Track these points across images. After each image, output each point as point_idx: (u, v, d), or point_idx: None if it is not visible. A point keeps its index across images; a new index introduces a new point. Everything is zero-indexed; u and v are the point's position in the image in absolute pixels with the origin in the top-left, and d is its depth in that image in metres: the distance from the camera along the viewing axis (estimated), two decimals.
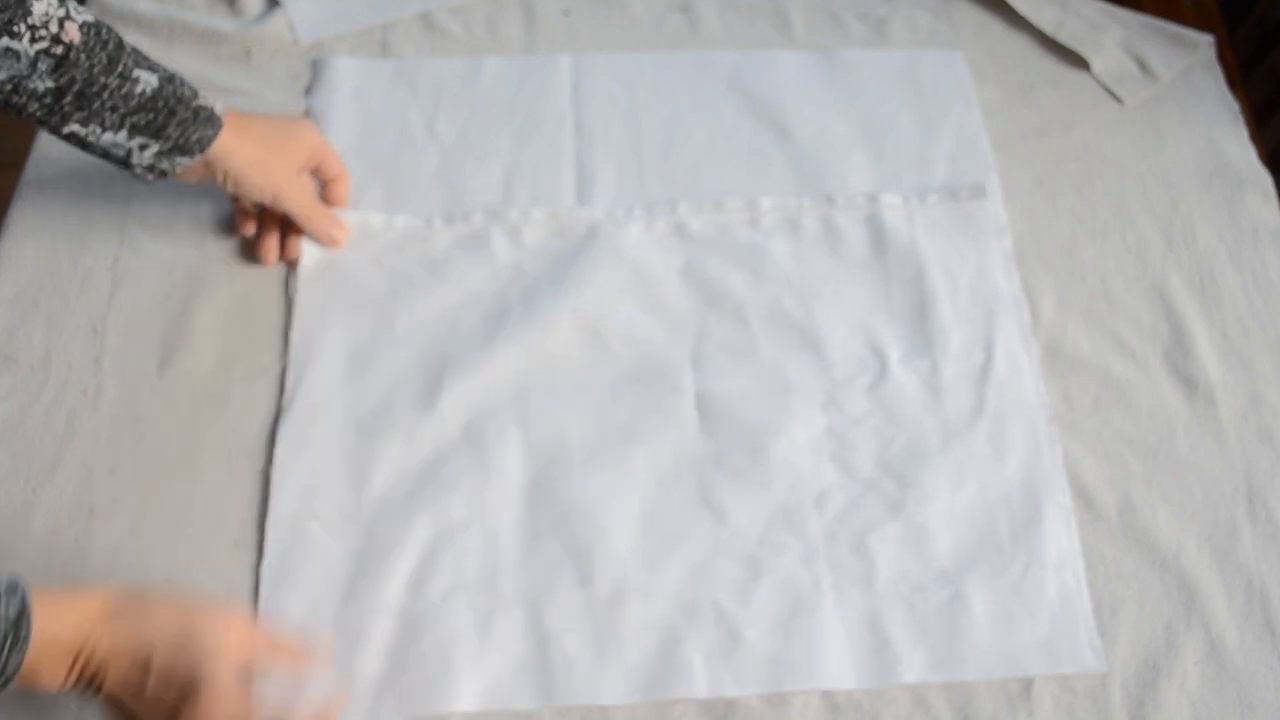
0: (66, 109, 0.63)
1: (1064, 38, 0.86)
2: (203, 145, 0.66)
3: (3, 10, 0.59)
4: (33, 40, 0.60)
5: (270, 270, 0.74)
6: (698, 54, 0.85)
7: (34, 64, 0.61)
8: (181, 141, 0.65)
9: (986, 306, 0.73)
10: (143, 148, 0.65)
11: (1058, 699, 0.60)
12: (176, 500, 0.65)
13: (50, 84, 0.62)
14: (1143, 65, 0.85)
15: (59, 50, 0.61)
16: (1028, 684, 0.61)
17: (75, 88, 0.62)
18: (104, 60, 0.62)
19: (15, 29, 0.60)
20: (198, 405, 0.68)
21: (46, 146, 0.78)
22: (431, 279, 0.73)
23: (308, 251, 0.73)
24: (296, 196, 0.71)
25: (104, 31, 0.63)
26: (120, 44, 0.64)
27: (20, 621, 0.50)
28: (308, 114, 0.81)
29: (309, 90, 0.82)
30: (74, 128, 0.64)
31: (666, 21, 0.87)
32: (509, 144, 0.80)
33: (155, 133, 0.65)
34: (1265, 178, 0.80)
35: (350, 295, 0.73)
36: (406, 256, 0.74)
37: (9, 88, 0.61)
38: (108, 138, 0.65)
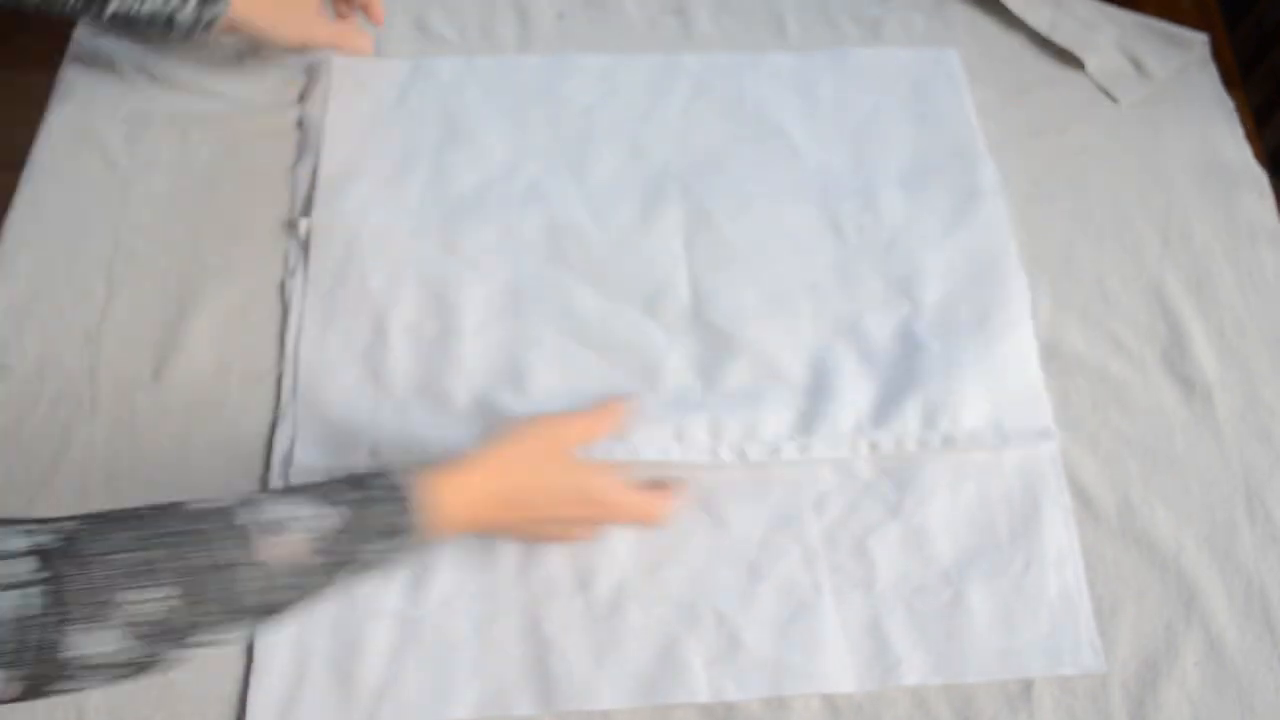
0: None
1: (1058, 37, 0.86)
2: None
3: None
4: None
5: (267, 275, 0.73)
6: (700, 56, 0.85)
7: None
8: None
9: (986, 306, 0.73)
10: (183, 3, 0.71)
11: (1058, 700, 0.60)
12: None
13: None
14: (1137, 64, 0.85)
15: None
16: (1028, 685, 0.61)
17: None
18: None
19: None
20: (194, 412, 0.68)
21: (41, 154, 0.78)
22: (436, 282, 0.73)
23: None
24: (320, 36, 0.78)
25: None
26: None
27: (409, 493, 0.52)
28: (301, 119, 0.80)
29: (303, 94, 0.82)
30: (114, 6, 0.69)
31: (660, 24, 0.87)
32: (506, 144, 0.80)
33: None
34: (1261, 176, 0.80)
35: (346, 299, 0.72)
36: (404, 258, 0.74)
37: None
38: (149, 6, 0.70)
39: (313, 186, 0.77)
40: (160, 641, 0.45)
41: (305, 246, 0.74)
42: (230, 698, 0.59)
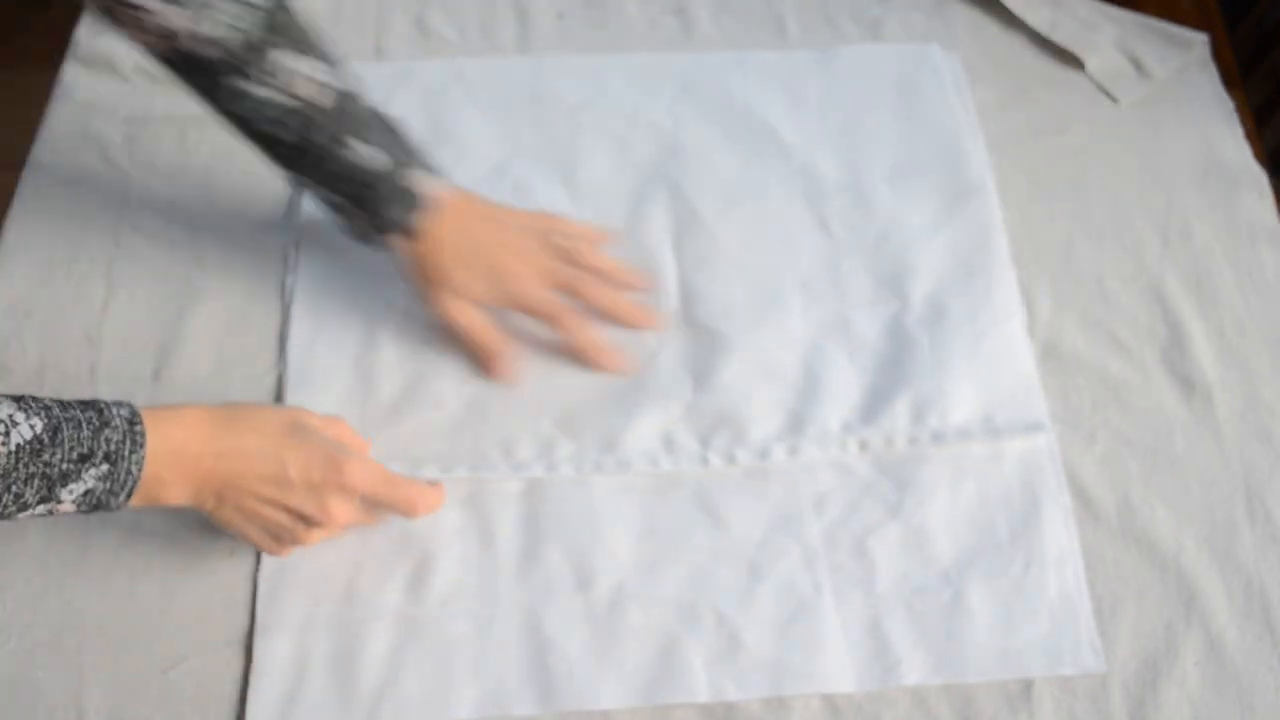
0: (297, 162, 0.64)
1: (1058, 38, 0.86)
2: (395, 225, 0.65)
3: (249, 49, 0.60)
4: (262, 85, 0.61)
5: (266, 276, 0.73)
6: (688, 55, 0.85)
7: (275, 112, 0.62)
8: (378, 217, 0.65)
9: (975, 302, 0.73)
10: (350, 212, 0.66)
11: (1058, 700, 0.60)
12: (172, 509, 0.65)
13: (291, 137, 0.63)
14: (1137, 64, 0.85)
15: (296, 104, 0.62)
16: (1028, 685, 0.61)
17: (310, 147, 0.63)
18: (331, 132, 0.63)
19: (247, 69, 0.61)
20: None
21: (41, 154, 0.78)
22: None
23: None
24: (456, 317, 0.68)
25: (351, 105, 0.63)
26: (359, 117, 0.64)
27: (134, 423, 0.54)
28: None
29: None
30: (303, 176, 0.65)
31: (660, 24, 0.87)
32: (492, 145, 0.80)
33: (355, 199, 0.65)
34: (1261, 176, 0.80)
35: (347, 300, 0.72)
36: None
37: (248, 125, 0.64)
38: (318, 188, 0.66)
39: None
40: None
41: (299, 246, 0.74)
42: (230, 698, 0.59)
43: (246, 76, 0.61)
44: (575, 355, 0.69)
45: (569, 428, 0.68)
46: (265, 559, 0.63)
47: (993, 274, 0.74)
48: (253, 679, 0.60)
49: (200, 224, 0.76)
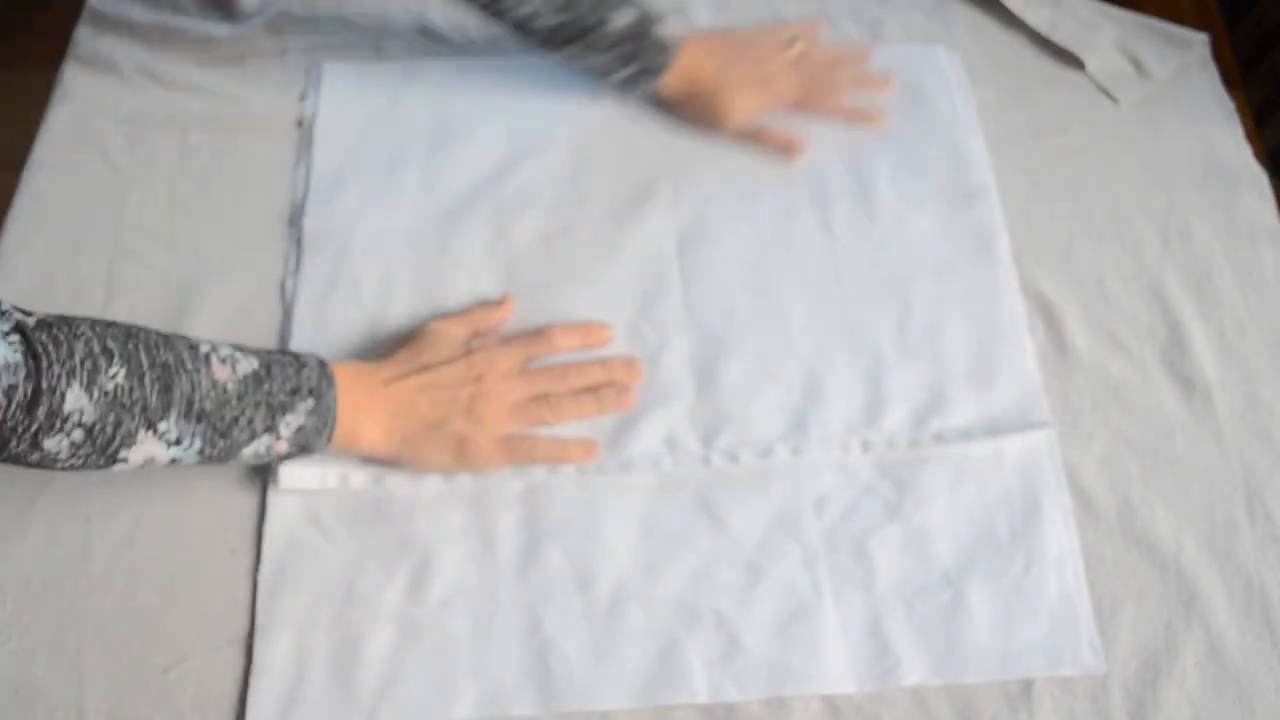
0: (559, 42, 0.73)
1: (1058, 38, 0.86)
2: (661, 68, 0.76)
3: None
4: None
5: (268, 276, 0.73)
6: None
7: (539, 9, 0.71)
8: (647, 65, 0.75)
9: (978, 305, 0.73)
10: (612, 70, 0.76)
11: (1058, 700, 0.60)
12: (173, 508, 0.65)
13: (551, 22, 0.72)
14: (1137, 64, 0.85)
15: None
16: (1028, 685, 0.61)
17: (571, 29, 0.72)
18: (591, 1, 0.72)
19: None
20: None
21: (41, 154, 0.78)
22: (428, 282, 0.73)
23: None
24: (745, 122, 0.79)
25: None
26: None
27: (324, 365, 0.61)
28: (302, 120, 0.80)
29: (303, 96, 0.82)
30: (566, 54, 0.74)
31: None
32: (498, 146, 0.80)
33: (624, 59, 0.75)
34: (1261, 176, 0.80)
35: (347, 300, 0.72)
36: (397, 261, 0.74)
37: (518, 24, 0.73)
38: (584, 59, 0.75)
39: (306, 190, 0.77)
40: (124, 413, 0.53)
41: (299, 246, 0.74)
42: (230, 698, 0.59)
43: None
44: (843, 119, 0.80)
45: (571, 429, 0.68)
46: (265, 559, 0.63)
47: (995, 275, 0.74)
48: (253, 679, 0.60)
49: (200, 224, 0.76)
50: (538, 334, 0.68)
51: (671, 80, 0.76)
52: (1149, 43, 0.86)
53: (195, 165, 0.78)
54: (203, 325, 0.71)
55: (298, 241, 0.75)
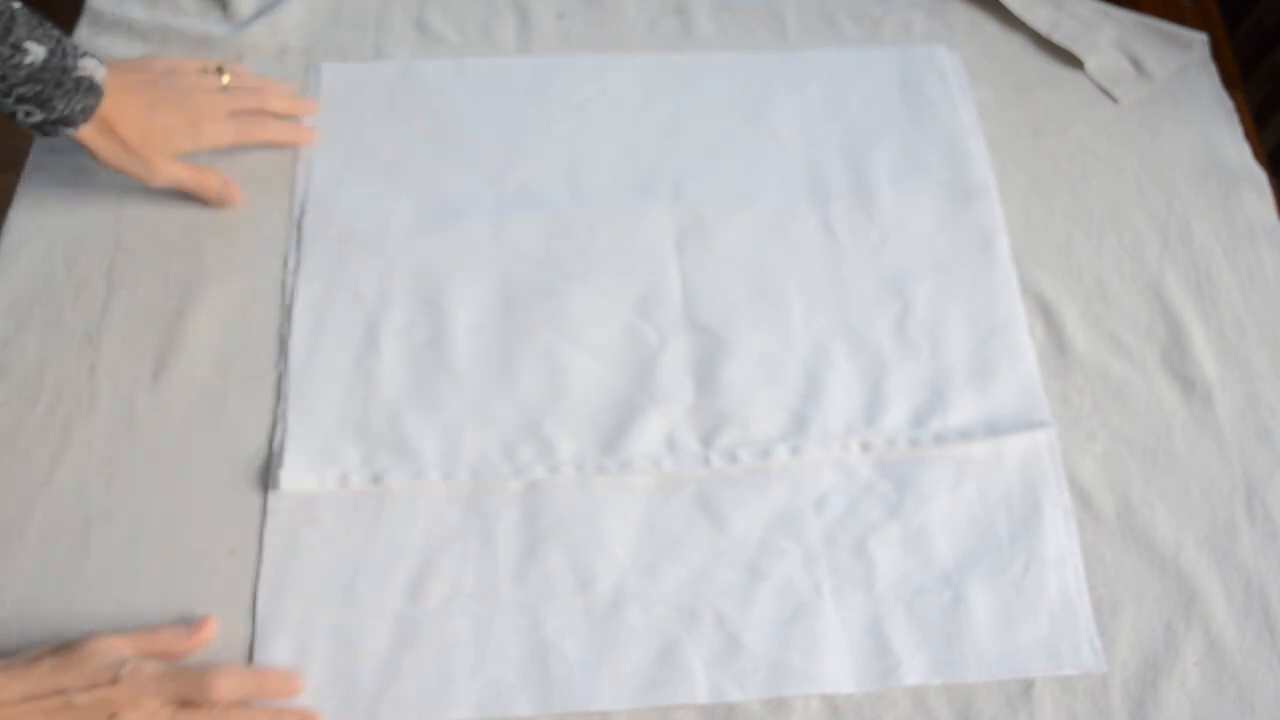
0: None
1: (1058, 37, 0.86)
2: (85, 116, 0.67)
3: None
4: None
5: (267, 275, 0.73)
6: (691, 55, 0.85)
7: None
8: (66, 113, 0.66)
9: (978, 304, 0.73)
10: (28, 114, 0.65)
11: (1058, 700, 0.60)
12: (173, 508, 0.65)
13: None
14: (1137, 64, 0.85)
15: None
16: (1028, 685, 0.61)
17: None
18: None
19: None
20: (194, 412, 0.68)
21: (41, 154, 0.78)
22: (427, 285, 0.73)
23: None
24: (174, 173, 0.72)
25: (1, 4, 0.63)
26: (12, 16, 0.63)
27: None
28: (300, 119, 0.80)
29: (303, 95, 0.82)
30: None
31: (660, 24, 0.87)
32: (496, 145, 0.80)
33: (40, 103, 0.65)
34: (1261, 176, 0.80)
35: (348, 300, 0.72)
36: (395, 261, 0.74)
37: None
38: None
39: (307, 190, 0.77)
40: None
41: (299, 247, 0.74)
42: None
43: None
44: (277, 145, 0.77)
45: (571, 429, 0.68)
46: (265, 559, 0.63)
47: (994, 275, 0.74)
48: None
49: (200, 224, 0.75)
50: (199, 675, 0.56)
51: (92, 128, 0.68)
52: (1149, 43, 0.86)
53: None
54: (203, 325, 0.71)
55: (298, 242, 0.75)
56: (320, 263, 0.74)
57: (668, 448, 0.67)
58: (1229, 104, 0.84)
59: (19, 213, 0.75)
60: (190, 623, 0.60)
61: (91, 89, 0.66)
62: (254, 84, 0.77)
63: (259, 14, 0.85)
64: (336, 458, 0.66)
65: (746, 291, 0.73)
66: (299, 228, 0.75)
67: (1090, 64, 0.85)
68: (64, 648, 0.57)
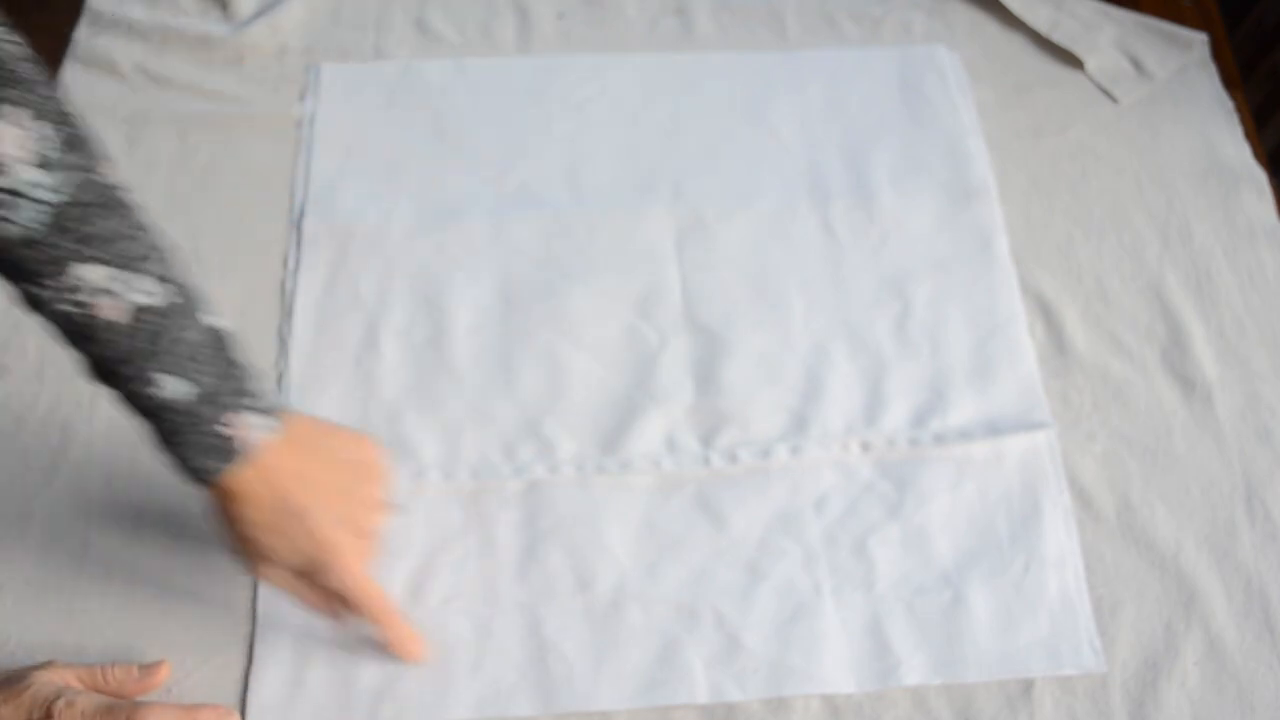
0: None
1: (1058, 37, 0.86)
2: (209, 475, 0.52)
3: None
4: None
5: (267, 273, 0.73)
6: (691, 55, 0.85)
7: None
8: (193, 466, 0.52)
9: (977, 304, 0.73)
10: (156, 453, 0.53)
11: (1058, 700, 0.60)
12: (173, 509, 0.65)
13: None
14: (1137, 64, 0.85)
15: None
16: (1028, 685, 0.61)
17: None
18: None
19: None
20: None
21: None
22: (427, 285, 0.73)
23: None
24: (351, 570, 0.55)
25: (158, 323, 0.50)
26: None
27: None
28: (301, 120, 0.80)
29: (303, 96, 0.82)
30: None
31: (660, 24, 0.87)
32: (496, 145, 0.80)
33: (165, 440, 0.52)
34: (1260, 176, 0.80)
35: (337, 303, 0.72)
36: (396, 261, 0.74)
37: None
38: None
39: (306, 190, 0.77)
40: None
41: (299, 247, 0.74)
42: (230, 698, 0.59)
43: (41, 285, 0.48)
44: (382, 648, 0.60)
45: (571, 429, 0.68)
46: None
47: (994, 275, 0.74)
48: (253, 679, 0.60)
49: (200, 224, 0.75)
50: (132, 711, 0.54)
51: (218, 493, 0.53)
52: (1149, 43, 0.86)
53: (195, 165, 0.78)
54: None
55: (298, 242, 0.75)
56: (320, 263, 0.74)
57: (668, 448, 0.67)
58: (1229, 104, 0.84)
59: None
60: (144, 666, 0.58)
61: (230, 448, 0.52)
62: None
63: (259, 14, 0.85)
64: None
65: (746, 291, 0.73)
66: (299, 228, 0.75)
67: (1090, 64, 0.85)
68: (10, 677, 0.55)
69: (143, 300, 0.50)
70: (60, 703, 0.54)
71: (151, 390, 0.50)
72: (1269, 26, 0.98)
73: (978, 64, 0.85)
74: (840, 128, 0.81)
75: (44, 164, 0.47)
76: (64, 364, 0.69)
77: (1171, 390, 0.71)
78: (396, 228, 0.75)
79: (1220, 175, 0.80)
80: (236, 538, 0.54)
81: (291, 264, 0.74)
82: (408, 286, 0.73)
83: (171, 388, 0.50)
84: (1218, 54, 0.87)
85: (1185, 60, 0.86)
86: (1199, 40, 0.87)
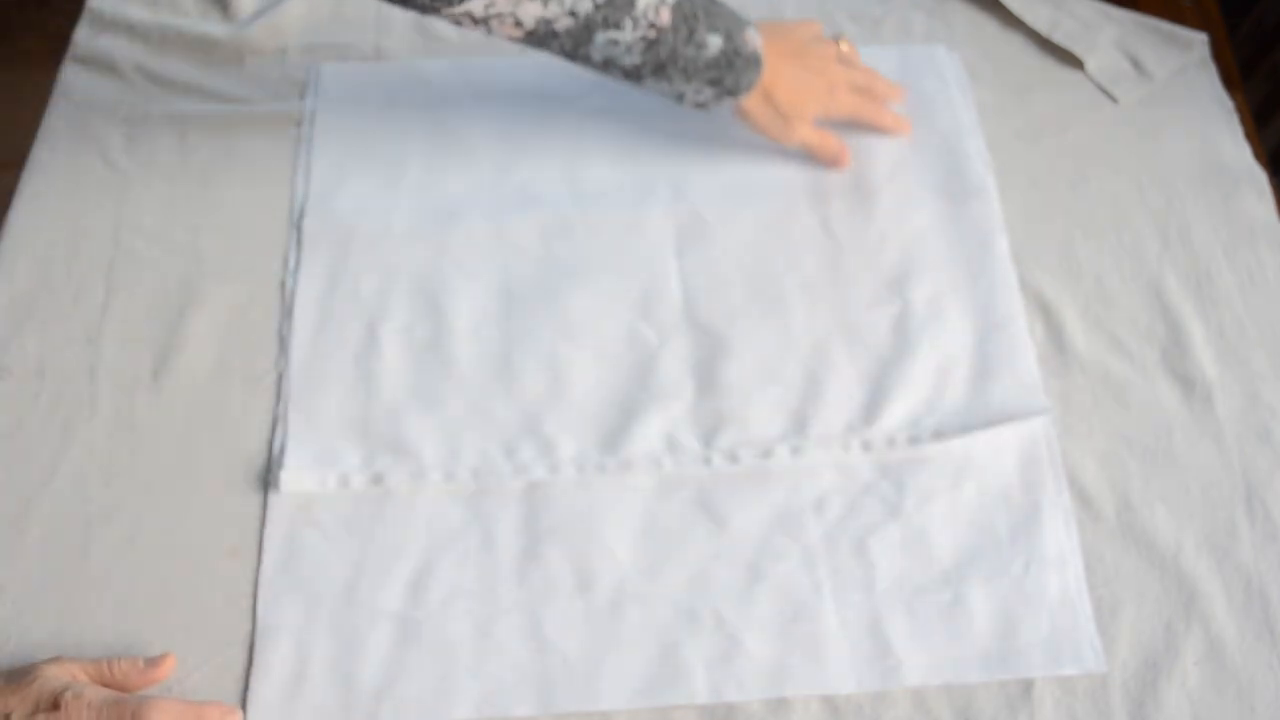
0: (643, 75, 0.71)
1: (1058, 37, 0.86)
2: (748, 86, 0.72)
3: (611, 7, 0.66)
4: (634, 28, 0.67)
5: (267, 275, 0.73)
6: None
7: (629, 48, 0.68)
8: (731, 86, 0.72)
9: (977, 303, 0.73)
10: (697, 92, 0.72)
11: (1058, 700, 0.60)
12: (173, 509, 0.65)
13: (637, 60, 0.69)
14: (1137, 64, 0.85)
15: (652, 34, 0.68)
16: (1028, 685, 0.61)
17: (657, 62, 0.69)
18: (685, 33, 0.68)
19: (620, 22, 0.67)
20: (194, 412, 0.68)
21: (41, 154, 0.78)
22: (427, 284, 0.73)
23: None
24: (806, 135, 0.77)
25: (686, 5, 0.68)
26: (694, 14, 0.69)
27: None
28: (301, 120, 0.80)
29: (303, 96, 0.82)
30: (647, 84, 0.72)
31: None
32: (497, 146, 0.80)
33: (713, 82, 0.71)
34: (1261, 176, 0.80)
35: (338, 303, 0.72)
36: (396, 261, 0.74)
37: (601, 64, 0.70)
38: (666, 87, 0.72)
39: (306, 190, 0.77)
40: None
41: (299, 247, 0.74)
42: (230, 698, 0.59)
43: (618, 26, 0.67)
44: (882, 129, 0.79)
45: (571, 429, 0.68)
46: (265, 559, 0.63)
47: (994, 275, 0.74)
48: (253, 679, 0.60)
49: (200, 224, 0.76)
50: (138, 706, 0.56)
51: (753, 96, 0.74)
52: (1149, 43, 0.86)
53: (195, 165, 0.78)
54: (202, 325, 0.71)
55: (298, 241, 0.75)
56: (320, 263, 0.74)
57: (668, 447, 0.67)
58: (1229, 104, 0.84)
59: (19, 213, 0.75)
60: (150, 658, 0.59)
61: (756, 62, 0.72)
62: (859, 63, 0.80)
63: (259, 14, 0.85)
64: (337, 458, 0.66)
65: (746, 291, 0.73)
66: (299, 228, 0.75)
67: (1090, 64, 0.85)
68: (17, 672, 0.56)
69: None
70: (68, 695, 0.55)
71: (706, 51, 0.70)
72: (1269, 26, 0.98)
73: (977, 64, 0.85)
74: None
75: None
76: (64, 364, 0.69)
77: (1171, 390, 0.71)
78: (396, 227, 0.75)
79: (1220, 175, 0.80)
80: (778, 118, 0.75)
81: (291, 264, 0.74)
82: (408, 286, 0.73)
83: (714, 43, 0.70)
84: (1218, 54, 0.87)
85: (1185, 60, 0.86)
86: (1199, 40, 0.87)
